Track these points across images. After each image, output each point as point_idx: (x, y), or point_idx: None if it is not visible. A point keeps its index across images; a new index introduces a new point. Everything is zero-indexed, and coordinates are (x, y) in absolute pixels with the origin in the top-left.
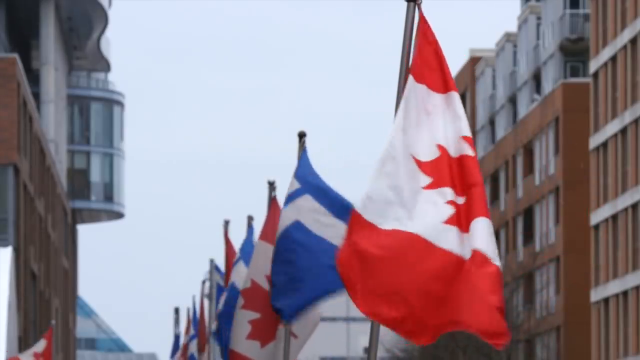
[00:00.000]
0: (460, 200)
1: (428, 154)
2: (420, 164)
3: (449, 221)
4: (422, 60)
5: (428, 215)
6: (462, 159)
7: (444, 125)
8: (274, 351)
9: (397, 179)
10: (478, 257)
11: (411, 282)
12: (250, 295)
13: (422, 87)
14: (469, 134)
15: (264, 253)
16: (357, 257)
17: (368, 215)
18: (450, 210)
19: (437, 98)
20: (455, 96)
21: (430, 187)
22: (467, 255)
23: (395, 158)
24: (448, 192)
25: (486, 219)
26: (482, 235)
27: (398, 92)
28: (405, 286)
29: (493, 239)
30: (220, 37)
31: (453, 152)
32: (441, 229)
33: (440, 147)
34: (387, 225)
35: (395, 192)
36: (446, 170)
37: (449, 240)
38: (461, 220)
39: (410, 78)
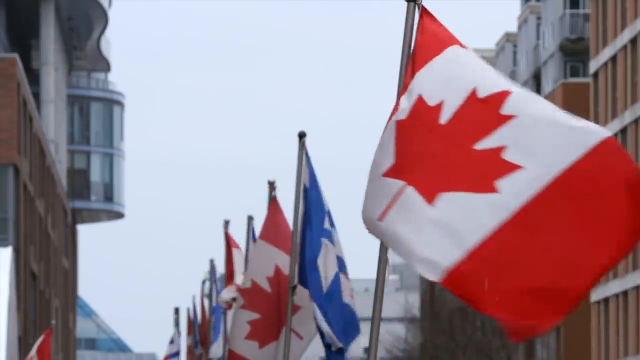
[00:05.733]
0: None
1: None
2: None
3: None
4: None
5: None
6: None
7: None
8: (274, 352)
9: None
10: None
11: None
12: (250, 296)
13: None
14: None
15: (265, 253)
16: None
17: None
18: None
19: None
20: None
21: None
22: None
23: None
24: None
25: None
26: None
27: (398, 92)
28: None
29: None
30: (220, 38)
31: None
32: None
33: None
34: None
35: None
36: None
37: None
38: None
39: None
